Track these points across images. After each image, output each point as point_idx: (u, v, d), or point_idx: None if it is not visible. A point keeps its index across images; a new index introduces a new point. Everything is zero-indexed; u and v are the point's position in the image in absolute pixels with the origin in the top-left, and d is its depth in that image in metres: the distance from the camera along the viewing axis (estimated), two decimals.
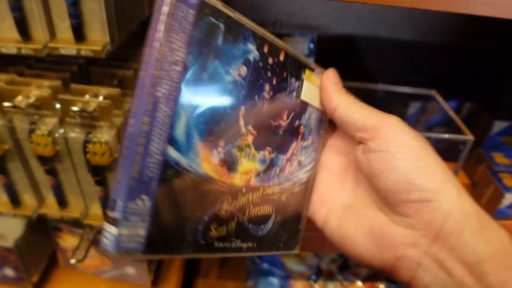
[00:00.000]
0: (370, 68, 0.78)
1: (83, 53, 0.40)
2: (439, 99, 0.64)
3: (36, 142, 0.43)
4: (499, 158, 0.66)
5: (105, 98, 0.43)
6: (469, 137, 0.53)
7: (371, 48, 0.78)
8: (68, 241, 0.60)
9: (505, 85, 0.80)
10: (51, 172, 0.46)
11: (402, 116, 0.69)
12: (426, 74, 0.68)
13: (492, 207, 0.60)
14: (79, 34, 0.40)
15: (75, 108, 0.40)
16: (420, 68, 0.74)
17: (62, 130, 0.43)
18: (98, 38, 0.41)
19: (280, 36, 0.68)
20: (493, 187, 0.60)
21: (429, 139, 0.63)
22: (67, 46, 0.40)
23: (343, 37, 0.78)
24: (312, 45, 0.68)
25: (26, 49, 0.40)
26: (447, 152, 0.62)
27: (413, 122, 0.68)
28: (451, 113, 0.59)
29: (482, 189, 0.63)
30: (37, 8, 0.38)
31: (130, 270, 0.62)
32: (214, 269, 0.85)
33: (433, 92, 0.65)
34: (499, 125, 0.69)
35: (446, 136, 0.55)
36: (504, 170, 0.63)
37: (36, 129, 0.42)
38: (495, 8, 0.36)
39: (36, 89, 0.42)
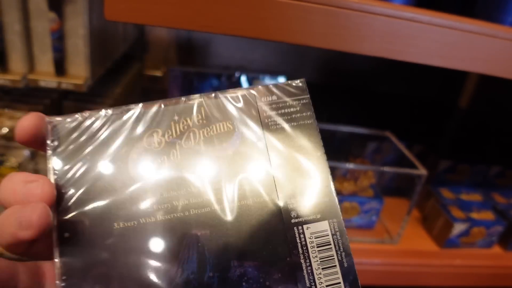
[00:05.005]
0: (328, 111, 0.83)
1: (64, 86, 0.40)
2: (393, 139, 0.69)
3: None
4: (446, 193, 0.72)
5: None
6: (423, 171, 0.58)
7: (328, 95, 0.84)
8: None
9: (444, 128, 0.89)
10: None
11: (360, 155, 0.74)
12: (379, 119, 0.74)
13: (443, 237, 0.65)
14: (60, 67, 0.41)
15: None
16: (373, 113, 0.81)
17: (33, 163, 0.42)
18: (79, 72, 0.41)
19: (250, 80, 0.72)
20: (443, 219, 0.66)
21: (386, 174, 0.68)
22: (47, 78, 0.40)
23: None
24: None
25: (4, 80, 0.40)
26: (399, 189, 0.67)
27: (370, 161, 0.73)
28: (405, 151, 0.65)
29: (433, 222, 0.68)
30: (19, 40, 0.39)
31: None
32: None
33: (387, 133, 0.71)
34: (443, 164, 0.76)
35: (403, 170, 0.60)
36: (451, 203, 0.69)
37: (5, 161, 0.41)
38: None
39: (9, 120, 0.41)
